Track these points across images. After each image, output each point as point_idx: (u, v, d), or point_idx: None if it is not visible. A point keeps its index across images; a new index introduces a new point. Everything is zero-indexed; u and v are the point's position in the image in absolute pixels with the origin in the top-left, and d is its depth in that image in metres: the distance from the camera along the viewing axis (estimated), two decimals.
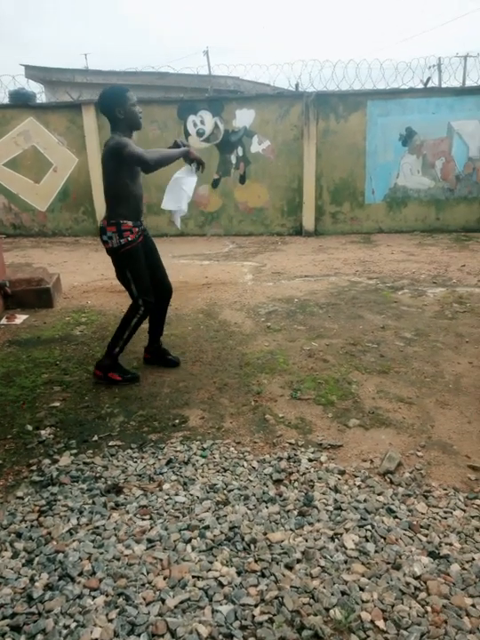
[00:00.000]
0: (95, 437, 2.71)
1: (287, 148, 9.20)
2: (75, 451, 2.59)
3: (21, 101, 9.30)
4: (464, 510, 2.10)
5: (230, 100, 9.23)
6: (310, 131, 8.94)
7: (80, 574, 1.77)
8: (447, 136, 8.97)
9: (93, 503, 2.17)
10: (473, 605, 1.64)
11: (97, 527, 2.02)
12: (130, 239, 3.10)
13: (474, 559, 1.83)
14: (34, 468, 2.45)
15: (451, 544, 1.91)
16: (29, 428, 2.81)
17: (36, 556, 1.87)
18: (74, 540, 1.94)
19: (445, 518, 2.05)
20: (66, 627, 1.57)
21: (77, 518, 2.07)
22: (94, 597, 1.68)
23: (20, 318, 4.71)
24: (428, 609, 1.62)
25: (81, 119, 9.19)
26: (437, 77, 11.56)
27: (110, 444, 2.64)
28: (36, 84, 12.56)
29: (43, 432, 2.77)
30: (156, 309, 3.47)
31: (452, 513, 2.08)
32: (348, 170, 9.21)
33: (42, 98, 11.14)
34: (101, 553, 1.87)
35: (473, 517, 2.05)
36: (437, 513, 2.08)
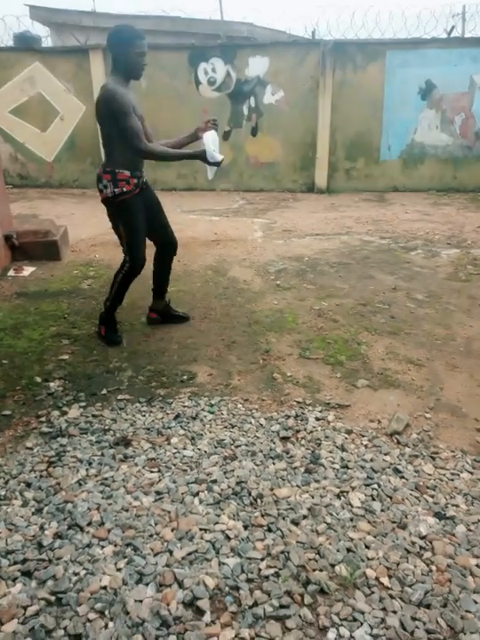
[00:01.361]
0: (104, 391, 2.71)
1: (302, 100, 8.85)
2: (83, 403, 2.60)
3: (26, 45, 8.94)
4: (471, 473, 2.10)
5: (243, 47, 8.82)
6: (326, 82, 8.58)
7: (89, 524, 1.80)
8: (468, 91, 8.58)
9: (102, 455, 2.19)
10: (477, 566, 1.66)
11: (106, 478, 2.04)
12: (125, 189, 2.97)
13: None
14: (43, 419, 2.47)
15: (457, 505, 1.92)
16: (38, 379, 2.82)
17: (46, 505, 1.91)
18: (83, 491, 1.97)
19: (452, 480, 2.06)
20: (75, 574, 1.61)
21: (86, 469, 2.10)
22: (103, 547, 1.71)
23: (28, 270, 4.67)
24: (433, 568, 1.64)
25: (88, 65, 8.85)
26: (461, 26, 10.99)
27: (119, 397, 2.65)
28: (41, 27, 12.07)
29: (51, 384, 2.78)
30: (160, 265, 3.40)
31: (459, 475, 2.09)
32: (364, 124, 8.88)
33: (48, 42, 10.74)
34: (110, 504, 1.90)
35: None
36: (444, 474, 2.09)
